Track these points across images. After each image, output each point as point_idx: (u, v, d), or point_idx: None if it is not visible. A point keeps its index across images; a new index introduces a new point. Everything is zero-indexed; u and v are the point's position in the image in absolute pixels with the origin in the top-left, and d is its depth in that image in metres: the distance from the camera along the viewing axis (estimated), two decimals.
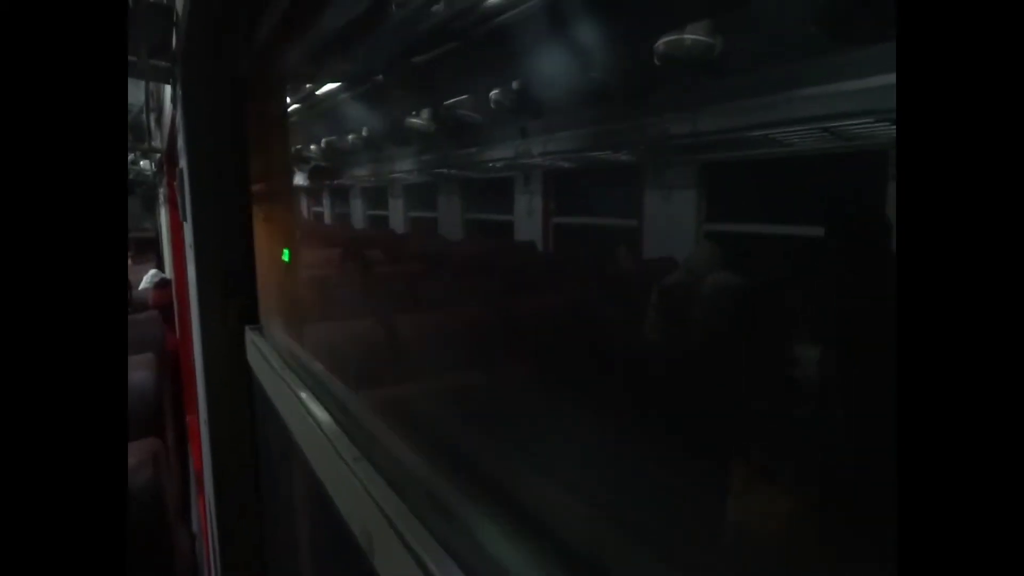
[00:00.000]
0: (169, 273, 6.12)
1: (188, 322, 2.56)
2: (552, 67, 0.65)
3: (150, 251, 9.82)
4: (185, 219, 1.95)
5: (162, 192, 6.89)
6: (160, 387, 2.65)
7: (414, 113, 1.06)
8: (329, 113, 1.60)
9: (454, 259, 0.95)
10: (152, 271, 6.70)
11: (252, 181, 1.79)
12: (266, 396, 1.45)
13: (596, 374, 0.59)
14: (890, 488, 0.26)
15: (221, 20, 1.48)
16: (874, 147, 0.36)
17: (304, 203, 1.73)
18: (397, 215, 1.20)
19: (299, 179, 1.71)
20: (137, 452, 2.08)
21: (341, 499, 0.88)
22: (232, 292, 1.77)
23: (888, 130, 0.32)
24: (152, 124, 4.20)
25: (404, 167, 1.20)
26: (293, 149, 1.71)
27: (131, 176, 7.90)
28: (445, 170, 1.06)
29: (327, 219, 1.58)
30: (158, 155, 5.11)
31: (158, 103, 3.53)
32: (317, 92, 1.68)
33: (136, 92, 3.52)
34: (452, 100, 0.94)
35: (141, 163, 6.53)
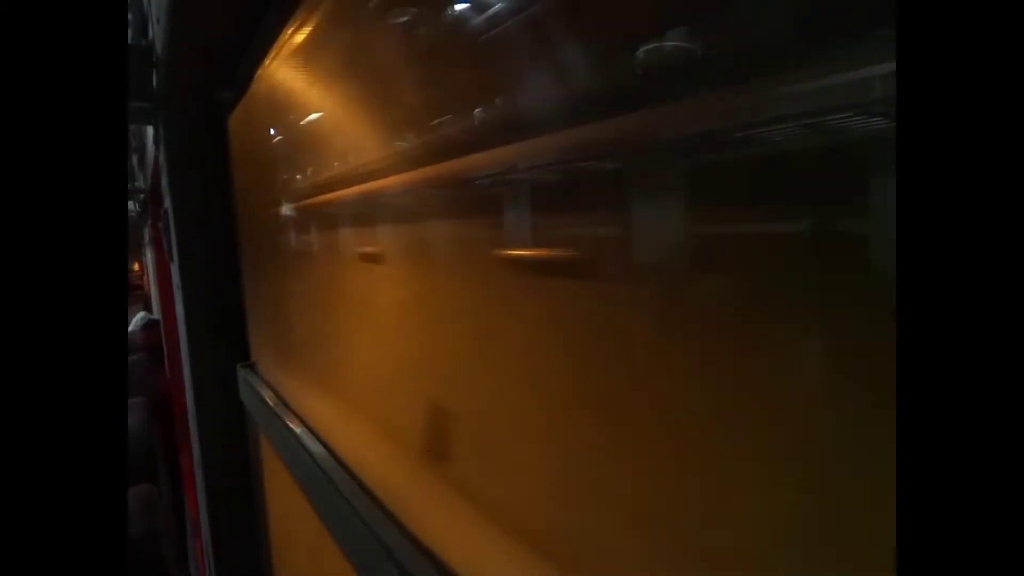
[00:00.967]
0: (157, 314, 6.08)
1: (179, 363, 2.53)
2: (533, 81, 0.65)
3: (136, 292, 9.76)
4: (172, 259, 1.94)
5: (147, 232, 6.86)
6: (152, 431, 2.61)
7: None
8: (315, 140, 1.60)
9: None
10: (141, 313, 6.65)
11: (239, 217, 1.78)
12: (261, 434, 1.43)
13: None
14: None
15: (201, 60, 1.48)
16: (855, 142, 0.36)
17: (293, 233, 1.72)
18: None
19: (286, 210, 1.70)
20: (132, 499, 2.04)
21: (340, 534, 0.86)
22: (223, 330, 1.76)
23: (865, 123, 0.32)
24: (135, 165, 4.19)
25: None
26: (279, 181, 1.72)
27: None
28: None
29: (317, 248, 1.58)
30: (142, 195, 5.09)
31: (140, 143, 3.53)
32: (301, 123, 1.68)
33: None
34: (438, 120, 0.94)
35: None
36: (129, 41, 1.97)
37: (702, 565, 0.45)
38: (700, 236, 0.45)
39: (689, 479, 0.45)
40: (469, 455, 0.74)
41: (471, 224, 0.76)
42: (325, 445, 1.05)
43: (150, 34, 1.74)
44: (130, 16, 1.98)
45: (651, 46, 0.44)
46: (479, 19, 0.71)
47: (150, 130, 2.55)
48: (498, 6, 0.62)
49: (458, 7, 0.71)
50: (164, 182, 1.95)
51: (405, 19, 0.93)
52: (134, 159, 3.95)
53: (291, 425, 1.15)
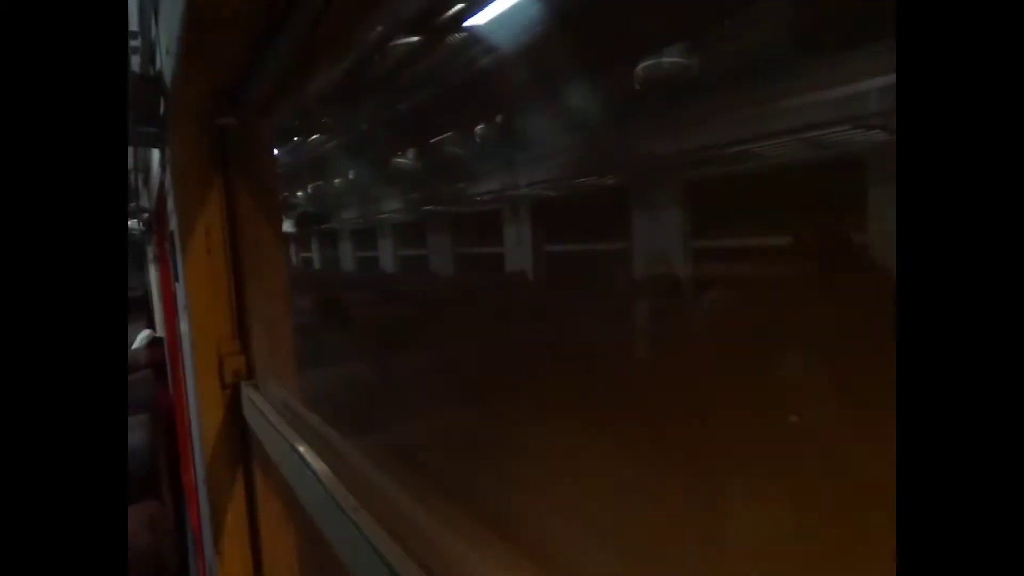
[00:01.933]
0: (161, 331, 6.10)
1: (182, 380, 2.56)
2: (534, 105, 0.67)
3: (140, 310, 9.77)
4: (177, 279, 1.98)
5: (151, 251, 6.90)
6: (155, 448, 2.63)
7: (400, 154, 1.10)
8: (318, 163, 1.65)
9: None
10: (145, 331, 6.66)
11: (243, 236, 1.82)
12: (264, 452, 1.46)
13: None
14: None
15: (209, 87, 1.53)
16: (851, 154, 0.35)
17: (295, 251, 1.76)
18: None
19: (289, 227, 1.74)
20: (135, 515, 2.06)
21: (343, 551, 0.89)
22: (227, 349, 1.79)
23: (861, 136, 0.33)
24: (140, 184, 4.24)
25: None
26: (282, 200, 1.75)
27: None
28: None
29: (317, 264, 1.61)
30: (146, 215, 5.14)
31: (145, 164, 3.58)
32: (305, 144, 1.73)
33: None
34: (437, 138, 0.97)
35: (129, 223, 6.57)
36: (138, 69, 2.02)
37: None
38: None
39: None
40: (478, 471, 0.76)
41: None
42: (326, 462, 1.08)
43: (158, 63, 1.79)
44: (139, 44, 2.02)
45: None
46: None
47: (155, 153, 2.60)
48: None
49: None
50: (170, 204, 1.99)
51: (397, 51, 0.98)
52: (139, 179, 4.00)
53: (292, 442, 1.18)
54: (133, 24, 1.81)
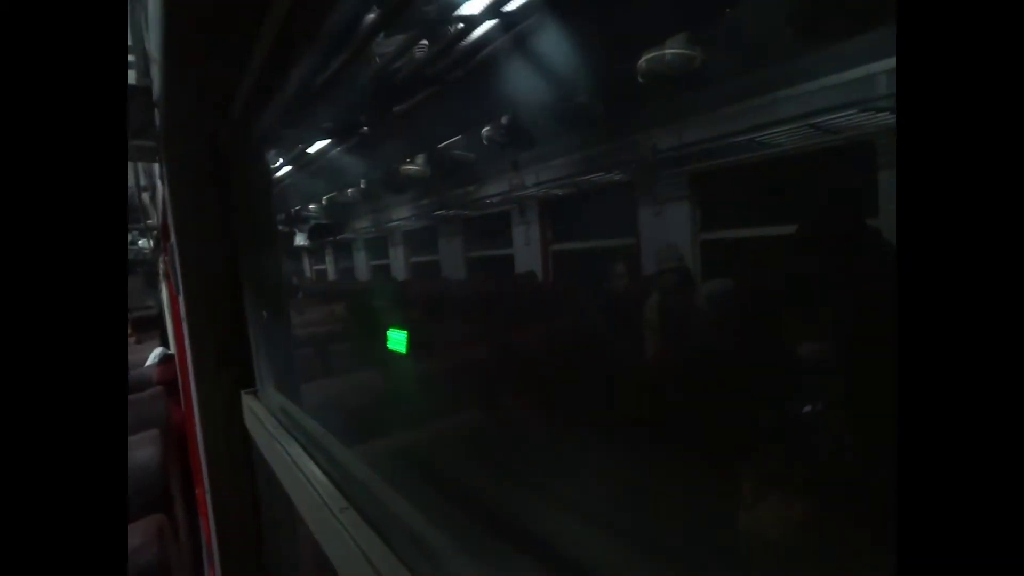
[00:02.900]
0: (173, 347, 6.14)
1: (191, 394, 2.57)
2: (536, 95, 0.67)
3: (154, 328, 9.85)
4: (179, 292, 1.98)
5: (161, 268, 6.97)
6: (166, 461, 2.64)
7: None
8: (317, 169, 1.64)
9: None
10: (158, 349, 6.71)
11: (240, 248, 1.82)
12: (264, 459, 1.45)
13: None
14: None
15: (197, 94, 1.53)
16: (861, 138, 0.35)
17: (292, 262, 1.76)
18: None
19: (287, 239, 1.74)
20: (141, 530, 2.06)
21: (331, 550, 0.88)
22: (226, 359, 1.79)
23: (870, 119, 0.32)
24: (147, 202, 4.28)
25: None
26: (280, 210, 1.75)
27: (131, 255, 7.99)
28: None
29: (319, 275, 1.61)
30: (155, 232, 5.19)
31: (151, 181, 3.61)
32: (303, 150, 1.73)
33: (131, 173, 3.61)
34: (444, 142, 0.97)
35: (140, 242, 6.64)
36: (135, 82, 2.03)
37: None
38: None
39: None
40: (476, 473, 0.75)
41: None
42: (319, 465, 1.07)
43: (152, 74, 1.80)
44: (134, 58, 2.04)
45: None
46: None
47: (157, 168, 2.62)
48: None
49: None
50: (169, 217, 2.00)
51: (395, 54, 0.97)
52: (146, 196, 4.04)
53: (286, 447, 1.18)
54: (129, 38, 1.82)
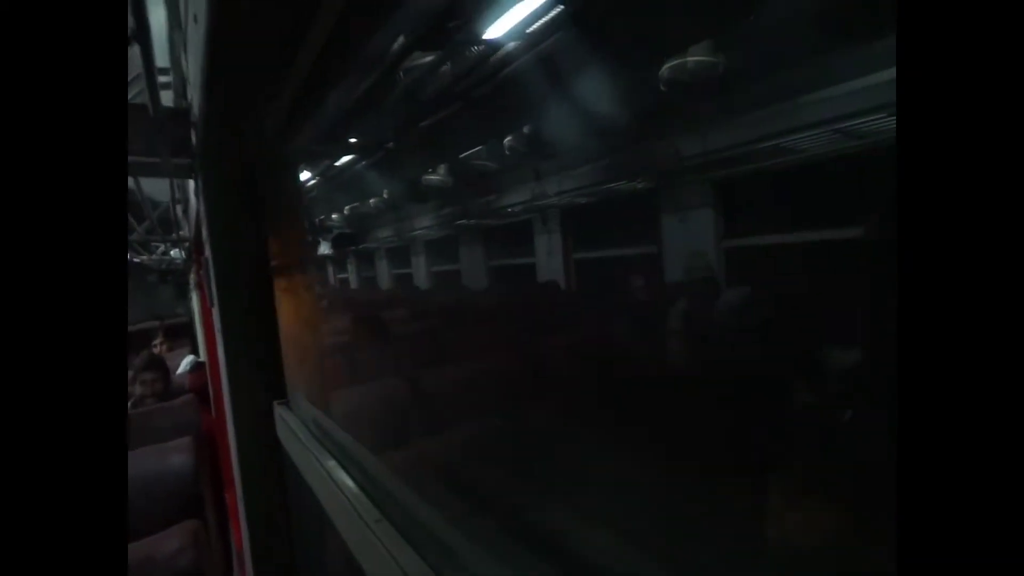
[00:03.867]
0: (203, 355, 6.27)
1: (223, 402, 2.63)
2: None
3: (185, 336, 10.04)
4: (213, 304, 2.04)
5: (192, 279, 7.10)
6: (198, 469, 2.70)
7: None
8: (346, 183, 1.68)
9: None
10: (189, 357, 6.85)
11: (274, 261, 1.88)
12: (296, 468, 1.49)
13: None
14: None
15: (234, 114, 1.58)
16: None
17: (326, 272, 1.80)
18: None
19: (320, 250, 1.79)
20: (178, 535, 2.12)
21: (365, 562, 0.91)
22: (260, 370, 1.84)
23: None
24: (180, 215, 4.38)
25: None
26: (312, 222, 1.80)
27: (163, 266, 8.15)
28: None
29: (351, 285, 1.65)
30: (187, 244, 5.32)
31: (184, 195, 3.70)
32: (333, 165, 1.77)
33: (163, 187, 3.71)
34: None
35: (172, 252, 6.78)
36: (171, 104, 2.10)
37: None
38: None
39: None
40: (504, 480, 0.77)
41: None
42: (353, 477, 1.11)
43: (189, 95, 1.86)
44: (172, 79, 2.11)
45: None
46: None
47: (191, 183, 2.70)
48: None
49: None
50: (204, 232, 2.06)
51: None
52: (178, 209, 4.13)
53: (320, 458, 1.21)
54: (164, 60, 1.89)
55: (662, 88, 0.51)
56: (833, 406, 0.42)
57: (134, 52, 1.34)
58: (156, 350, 7.32)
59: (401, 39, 1.09)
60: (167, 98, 2.10)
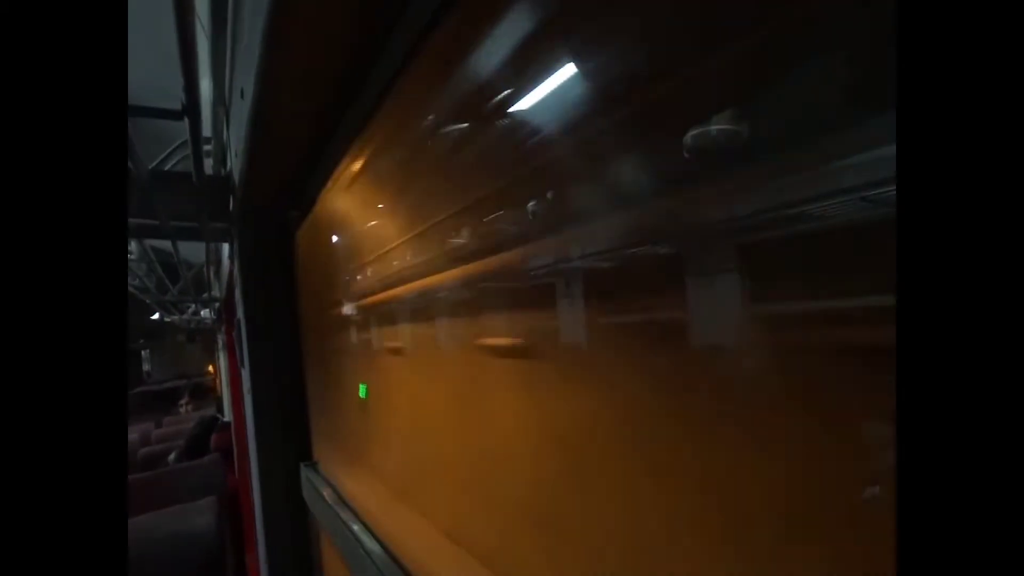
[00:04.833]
0: (228, 416, 6.29)
1: (247, 463, 2.64)
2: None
3: (210, 395, 10.12)
4: (243, 365, 2.08)
5: (220, 339, 7.19)
6: (221, 529, 2.69)
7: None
8: (373, 246, 1.73)
9: None
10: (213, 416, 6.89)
11: (303, 325, 1.92)
12: (322, 530, 1.49)
13: None
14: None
15: (273, 184, 1.65)
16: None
17: (349, 340, 1.83)
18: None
19: (343, 319, 1.82)
20: None
21: None
22: (287, 431, 1.86)
23: None
24: (212, 275, 4.49)
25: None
26: (341, 286, 1.84)
27: (193, 325, 8.27)
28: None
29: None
30: (217, 304, 5.42)
31: (216, 257, 3.80)
32: (356, 240, 1.82)
33: (198, 249, 3.82)
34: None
35: (202, 312, 6.90)
36: (210, 171, 2.19)
37: None
38: None
39: None
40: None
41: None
42: (380, 542, 1.10)
43: (228, 164, 1.95)
44: (212, 148, 2.21)
45: None
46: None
47: (225, 247, 2.78)
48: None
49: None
50: (237, 294, 2.11)
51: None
52: (211, 271, 4.24)
53: (347, 522, 1.21)
54: (207, 130, 1.98)
55: (685, 155, 0.52)
56: None
57: (182, 125, 1.42)
58: (183, 410, 7.37)
59: (432, 116, 1.15)
60: (207, 166, 2.20)
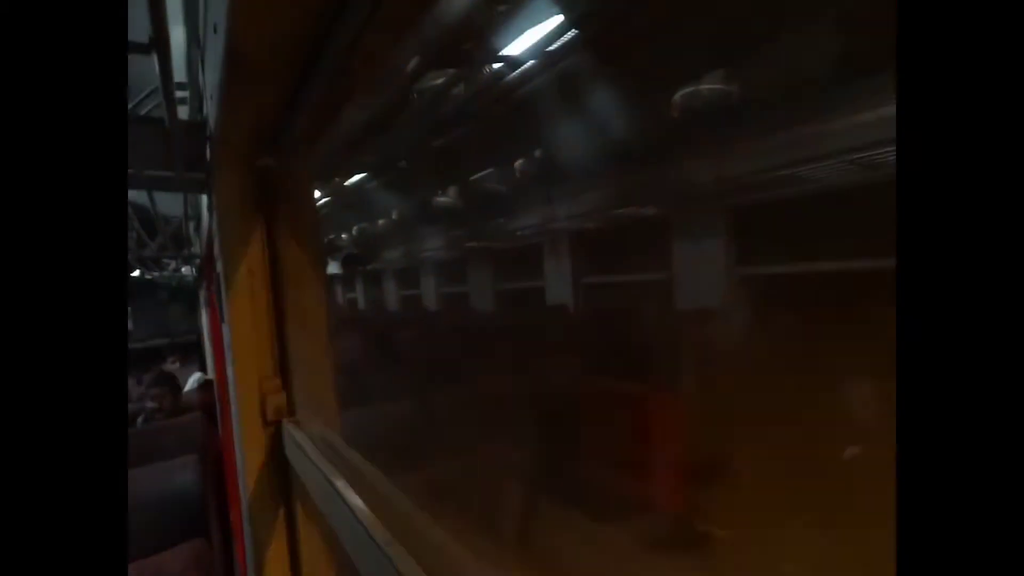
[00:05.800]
0: (211, 372, 6.26)
1: (229, 420, 2.61)
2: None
3: (193, 354, 10.05)
4: (223, 321, 2.03)
5: (202, 296, 7.13)
6: (204, 488, 2.67)
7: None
8: (357, 203, 1.67)
9: None
10: (197, 374, 6.84)
11: (285, 277, 1.86)
12: (304, 488, 1.46)
13: None
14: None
15: (250, 130, 1.58)
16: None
17: (336, 291, 1.79)
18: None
19: (331, 268, 1.77)
20: (183, 556, 2.08)
21: None
22: (269, 387, 1.82)
23: None
24: (191, 231, 4.40)
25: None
26: (324, 241, 1.79)
27: (174, 283, 8.19)
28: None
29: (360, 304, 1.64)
30: (197, 260, 5.33)
31: (196, 211, 3.72)
32: (344, 184, 1.76)
33: (176, 203, 3.72)
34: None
35: (183, 269, 6.81)
36: (187, 117, 2.11)
37: None
38: None
39: None
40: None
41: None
42: (363, 497, 1.07)
43: (204, 109, 1.87)
44: (188, 94, 2.12)
45: None
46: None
47: (204, 198, 2.70)
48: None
49: None
50: (216, 247, 2.05)
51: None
52: (191, 226, 4.15)
53: (330, 478, 1.18)
54: (181, 75, 1.90)
55: (674, 115, 0.50)
56: None
57: (151, 64, 1.34)
58: (173, 366, 7.33)
59: (416, 59, 1.09)
60: (183, 112, 2.11)
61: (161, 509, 2.43)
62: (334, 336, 1.78)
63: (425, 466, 1.06)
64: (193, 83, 1.98)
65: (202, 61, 1.69)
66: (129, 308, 11.86)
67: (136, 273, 7.06)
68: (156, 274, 7.08)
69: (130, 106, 1.98)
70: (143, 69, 1.38)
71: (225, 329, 2.01)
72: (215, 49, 1.20)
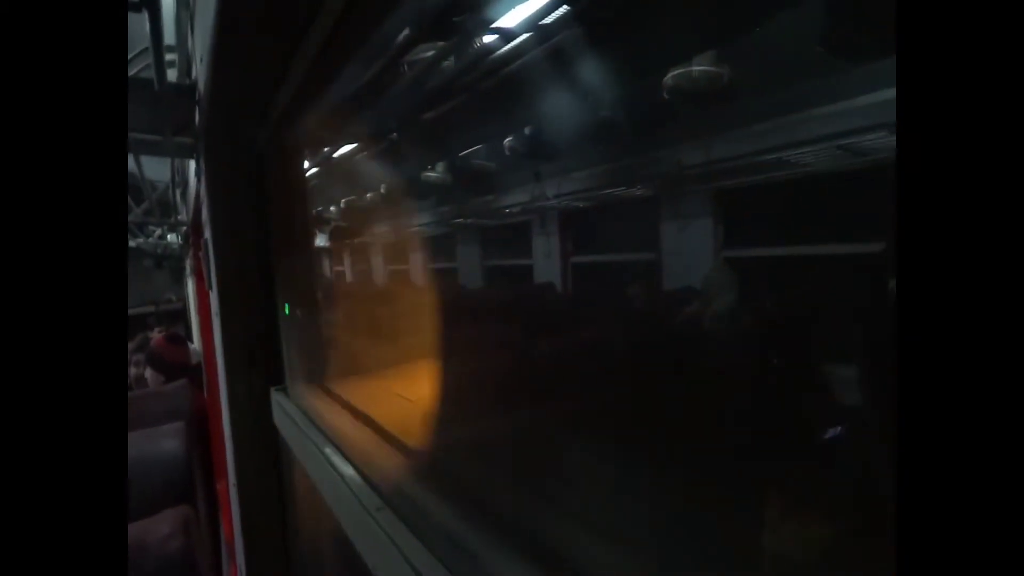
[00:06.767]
0: (197, 342, 6.22)
1: (216, 388, 2.60)
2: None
3: (179, 321, 10.00)
4: (211, 288, 2.01)
5: (188, 264, 7.07)
6: (190, 454, 2.67)
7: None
8: (347, 174, 1.66)
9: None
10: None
11: (273, 246, 1.85)
12: (293, 456, 1.47)
13: None
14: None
15: (240, 95, 1.56)
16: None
17: (325, 262, 1.78)
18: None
19: (319, 240, 1.76)
20: (169, 520, 2.08)
21: (366, 550, 0.89)
22: (257, 356, 1.81)
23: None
24: (178, 199, 4.35)
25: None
26: (313, 211, 1.77)
27: (159, 250, 8.10)
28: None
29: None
30: (184, 228, 5.27)
31: (183, 178, 3.67)
32: (334, 155, 1.75)
33: (162, 169, 3.67)
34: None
35: (169, 236, 6.74)
36: (175, 80, 2.07)
37: None
38: None
39: None
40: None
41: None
42: (353, 465, 1.08)
43: (193, 73, 1.83)
44: (176, 57, 2.08)
45: None
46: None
47: (192, 164, 2.67)
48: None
49: None
50: (204, 214, 2.03)
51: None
52: (177, 193, 4.10)
53: (318, 445, 1.19)
54: (170, 37, 1.86)
55: (665, 96, 0.51)
56: None
57: (141, 24, 1.31)
58: (160, 334, 7.28)
59: (407, 30, 1.07)
60: (172, 76, 2.07)
61: (147, 475, 2.43)
62: (323, 305, 1.77)
63: (414, 433, 1.07)
64: (182, 45, 1.94)
65: (191, 23, 1.66)
66: None
67: None
68: (141, 241, 7.01)
69: None
70: (132, 28, 1.35)
71: (212, 296, 2.00)
72: (206, 9, 1.18)
